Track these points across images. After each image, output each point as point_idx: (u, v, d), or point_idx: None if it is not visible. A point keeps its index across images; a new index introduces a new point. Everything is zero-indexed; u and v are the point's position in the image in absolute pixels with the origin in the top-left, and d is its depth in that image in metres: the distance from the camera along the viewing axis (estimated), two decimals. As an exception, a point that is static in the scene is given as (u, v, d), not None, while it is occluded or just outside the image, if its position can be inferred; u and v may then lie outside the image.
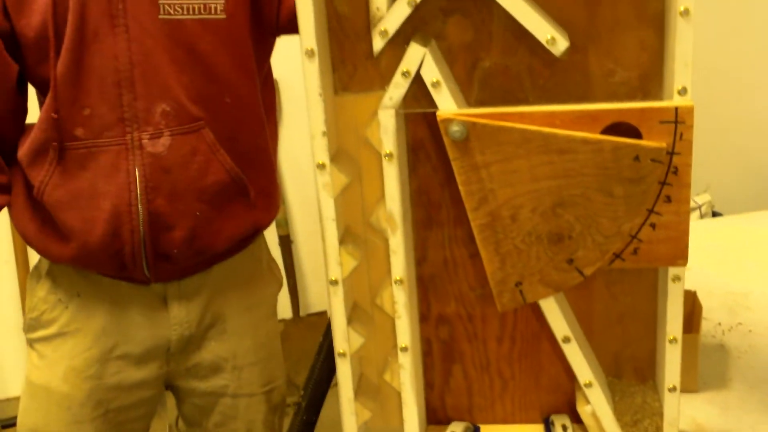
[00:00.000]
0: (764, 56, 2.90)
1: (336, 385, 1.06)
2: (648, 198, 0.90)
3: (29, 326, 1.41)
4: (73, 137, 1.25)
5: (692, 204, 2.76)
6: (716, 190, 2.88)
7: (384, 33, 0.93)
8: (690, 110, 0.87)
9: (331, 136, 0.96)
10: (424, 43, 0.93)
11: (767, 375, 1.32)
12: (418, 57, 0.92)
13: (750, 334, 1.44)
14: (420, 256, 1.03)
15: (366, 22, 0.95)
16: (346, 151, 0.99)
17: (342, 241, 0.99)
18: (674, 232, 0.92)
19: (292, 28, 1.34)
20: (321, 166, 0.96)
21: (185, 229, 1.28)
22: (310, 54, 0.92)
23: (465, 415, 1.10)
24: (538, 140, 0.89)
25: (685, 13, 0.86)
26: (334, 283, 0.99)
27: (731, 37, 2.81)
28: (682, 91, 0.88)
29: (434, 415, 1.10)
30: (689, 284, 0.98)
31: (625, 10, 0.93)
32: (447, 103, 0.93)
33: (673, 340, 0.96)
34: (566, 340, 0.99)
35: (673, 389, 0.98)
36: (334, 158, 0.97)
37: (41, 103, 1.32)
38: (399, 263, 0.98)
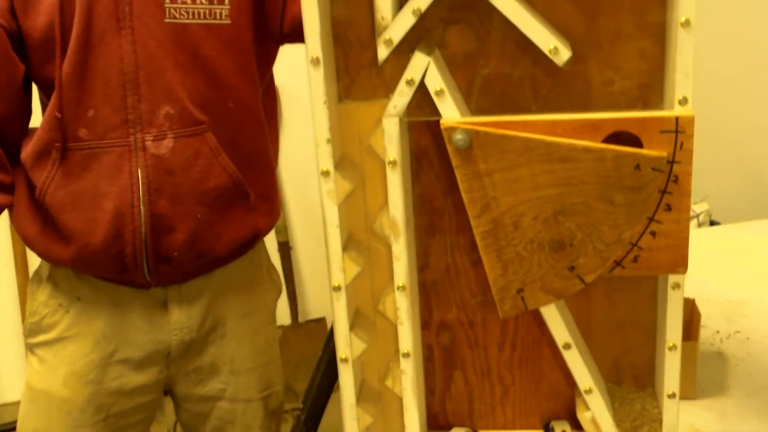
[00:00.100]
0: (762, 66, 2.92)
1: (338, 389, 1.07)
2: (648, 206, 0.91)
3: (30, 331, 1.42)
4: (77, 138, 1.26)
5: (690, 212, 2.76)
6: (714, 199, 2.89)
7: (389, 42, 0.94)
8: (690, 120, 0.89)
9: (335, 144, 0.97)
10: (428, 52, 0.94)
11: (765, 382, 1.33)
12: (422, 66, 0.93)
13: (748, 342, 1.45)
14: (422, 263, 1.04)
15: (370, 30, 0.96)
16: (350, 158, 1.00)
17: (345, 248, 1.00)
18: (674, 240, 0.93)
19: (295, 36, 1.35)
20: (325, 173, 0.97)
21: (186, 232, 1.29)
22: (315, 62, 0.93)
23: (466, 421, 1.11)
24: (540, 149, 0.90)
25: (686, 24, 0.87)
26: (337, 289, 1.00)
27: (729, 45, 2.83)
28: (683, 101, 0.89)
29: (435, 420, 1.11)
30: (688, 292, 0.99)
31: (626, 20, 0.94)
32: (450, 112, 0.94)
33: (673, 347, 0.97)
34: (567, 346, 1.00)
35: (672, 396, 0.99)
36: (337, 165, 0.98)
37: (44, 106, 1.32)
38: (402, 270, 0.99)
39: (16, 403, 2.54)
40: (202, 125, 1.27)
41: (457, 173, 0.93)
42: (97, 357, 1.35)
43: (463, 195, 0.94)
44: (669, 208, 0.91)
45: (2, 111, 1.29)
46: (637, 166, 0.89)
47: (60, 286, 1.37)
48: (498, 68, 0.97)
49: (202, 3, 1.26)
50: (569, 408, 1.08)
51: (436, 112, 0.95)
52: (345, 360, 1.02)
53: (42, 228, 1.32)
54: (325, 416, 1.76)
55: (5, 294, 2.71)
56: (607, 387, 1.06)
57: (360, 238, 1.02)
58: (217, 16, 1.27)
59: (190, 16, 1.25)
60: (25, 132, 1.35)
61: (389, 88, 0.97)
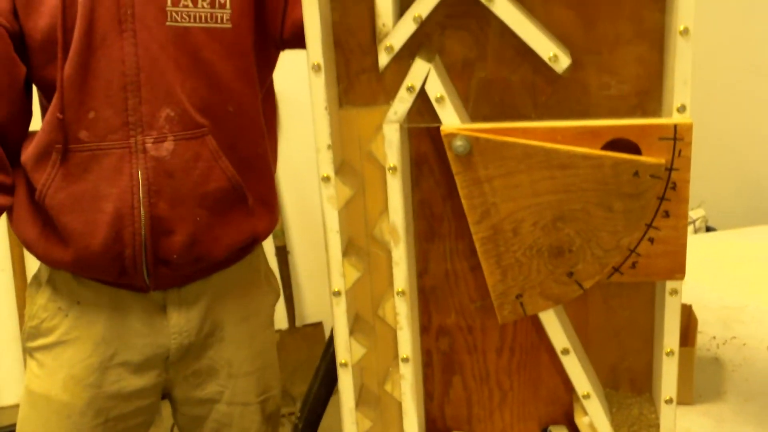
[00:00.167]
0: (759, 72, 2.93)
1: (337, 394, 1.08)
2: (647, 213, 0.92)
3: (29, 335, 1.42)
4: (77, 140, 1.26)
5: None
6: (710, 205, 2.90)
7: (390, 48, 0.94)
8: (689, 127, 0.89)
9: (335, 150, 0.97)
10: (429, 59, 0.95)
11: (761, 388, 1.33)
12: (422, 73, 0.94)
13: (744, 348, 1.45)
14: (421, 269, 1.05)
15: (371, 37, 0.97)
16: (350, 164, 1.01)
17: (345, 253, 1.01)
18: (672, 247, 0.93)
19: (295, 42, 1.35)
20: (326, 179, 0.97)
21: (185, 235, 1.29)
22: (316, 68, 0.94)
23: (464, 426, 1.11)
24: (539, 155, 0.91)
25: (685, 32, 0.88)
26: (337, 294, 1.01)
27: (726, 52, 2.84)
28: (681, 109, 0.90)
29: (434, 425, 1.11)
30: (684, 298, 0.99)
31: (625, 27, 0.94)
32: (451, 118, 0.94)
33: (670, 353, 0.98)
34: (565, 352, 1.01)
35: (669, 401, 0.99)
36: (338, 171, 0.98)
37: (44, 109, 1.33)
38: (401, 275, 1.00)
39: (14, 407, 2.55)
40: (202, 128, 1.28)
41: (457, 179, 0.94)
42: (96, 360, 1.36)
43: (463, 201, 0.95)
44: (667, 214, 0.92)
45: (3, 112, 1.30)
46: (636, 173, 0.90)
47: (59, 289, 1.38)
48: (497, 75, 0.97)
49: (203, 7, 1.26)
50: (567, 413, 1.08)
51: (436, 119, 0.96)
52: (344, 364, 1.02)
53: (42, 230, 1.32)
54: (324, 420, 1.77)
55: (3, 298, 2.71)
56: (604, 392, 1.07)
57: (360, 243, 1.03)
58: (219, 20, 1.28)
59: (192, 20, 1.26)
60: (26, 134, 1.35)
61: (389, 94, 0.97)
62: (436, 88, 0.94)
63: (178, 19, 1.25)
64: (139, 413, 1.41)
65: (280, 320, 2.82)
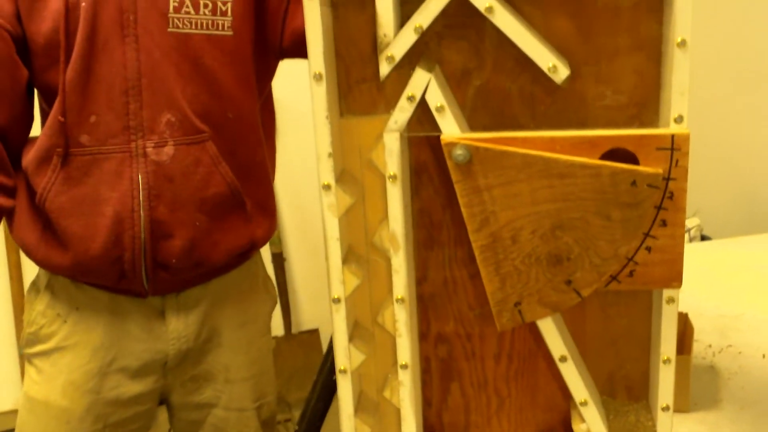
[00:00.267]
0: (753, 82, 2.95)
1: (336, 401, 1.08)
2: (644, 222, 0.93)
3: (27, 341, 1.42)
4: (78, 144, 1.27)
5: (681, 227, 2.78)
6: (705, 214, 2.92)
7: (391, 58, 0.95)
8: (686, 138, 0.90)
9: (336, 158, 0.98)
10: (429, 68, 0.96)
11: (757, 396, 1.34)
12: (423, 82, 0.95)
13: (740, 356, 1.46)
14: (420, 276, 1.06)
15: (371, 47, 0.98)
16: (350, 172, 1.01)
17: (345, 260, 1.01)
18: (669, 255, 0.94)
19: (295, 51, 1.36)
20: (326, 187, 0.98)
21: (184, 239, 1.30)
22: (317, 77, 0.95)
23: (462, 433, 1.12)
24: (539, 165, 0.92)
25: (682, 44, 0.89)
26: (337, 301, 1.01)
27: (720, 62, 2.86)
28: (678, 119, 0.91)
29: (432, 431, 1.12)
30: (680, 307, 1.00)
31: (622, 38, 0.96)
32: (451, 127, 0.95)
33: (667, 361, 0.98)
34: (563, 359, 1.02)
35: (666, 408, 1.00)
36: (338, 179, 0.99)
37: (44, 114, 1.33)
38: (401, 282, 1.00)
39: (10, 412, 2.54)
40: (203, 134, 1.29)
41: (457, 188, 0.95)
42: (95, 366, 1.36)
43: (463, 209, 0.95)
44: (664, 223, 0.93)
45: (5, 115, 1.30)
46: (634, 183, 0.91)
47: (58, 295, 1.38)
48: (497, 85, 0.98)
49: (205, 14, 1.27)
50: (565, 420, 1.09)
51: (436, 128, 0.96)
52: (344, 371, 1.03)
53: (41, 234, 1.33)
54: (324, 425, 1.78)
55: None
56: (601, 399, 1.07)
57: (359, 251, 1.03)
58: (220, 27, 1.29)
59: (193, 26, 1.27)
60: (27, 138, 1.36)
61: (390, 104, 0.98)
62: (436, 98, 0.95)
63: (180, 25, 1.26)
64: (137, 419, 1.42)
65: (276, 327, 2.81)
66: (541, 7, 0.95)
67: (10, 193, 1.35)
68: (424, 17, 0.94)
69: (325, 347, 2.76)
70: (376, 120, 0.99)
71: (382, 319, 1.04)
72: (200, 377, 1.43)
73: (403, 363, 1.02)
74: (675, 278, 0.95)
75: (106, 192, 1.27)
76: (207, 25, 1.28)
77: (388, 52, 0.95)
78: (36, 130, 1.37)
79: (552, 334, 1.01)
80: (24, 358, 1.46)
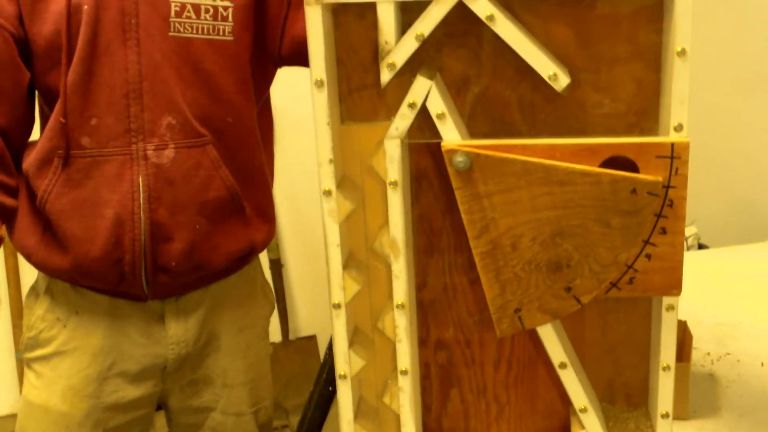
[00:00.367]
0: (751, 91, 2.96)
1: (335, 407, 1.08)
2: (644, 229, 0.93)
3: (27, 346, 1.42)
4: (79, 146, 1.27)
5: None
6: (702, 223, 2.92)
7: (392, 66, 0.96)
8: (686, 146, 0.91)
9: (337, 164, 0.99)
10: (430, 76, 0.96)
11: (755, 404, 1.35)
12: (424, 90, 0.95)
13: (738, 364, 1.47)
14: (420, 282, 1.06)
15: (372, 54, 0.98)
16: (351, 178, 1.02)
17: (345, 266, 1.02)
18: (669, 263, 0.95)
19: (293, 59, 1.37)
20: (327, 193, 0.98)
21: (184, 242, 1.30)
22: (319, 84, 0.95)
23: (461, 439, 1.12)
24: (539, 172, 0.92)
25: (682, 53, 0.90)
26: (337, 306, 1.01)
27: (717, 71, 2.87)
28: (678, 128, 0.92)
29: (431, 438, 1.12)
30: (678, 315, 1.00)
31: (622, 47, 0.96)
32: (451, 135, 0.96)
33: (667, 368, 0.99)
34: (562, 366, 1.02)
35: (665, 415, 1.00)
36: (339, 185, 0.99)
37: (45, 117, 1.34)
38: (401, 288, 1.01)
39: (8, 417, 2.54)
40: (203, 137, 1.30)
41: (457, 195, 0.95)
42: (94, 371, 1.36)
43: (463, 216, 0.96)
44: (664, 231, 0.94)
45: (7, 117, 1.31)
46: (634, 191, 0.91)
47: (57, 299, 1.38)
48: (497, 92, 0.99)
49: (206, 19, 1.28)
50: (564, 427, 1.09)
51: (436, 135, 0.97)
52: (344, 377, 1.03)
53: (41, 237, 1.33)
54: (323, 431, 1.78)
55: (-4, 307, 2.70)
56: (601, 406, 1.08)
57: (360, 256, 1.04)
58: (221, 32, 1.29)
59: (194, 31, 1.28)
60: (27, 140, 1.37)
61: (391, 110, 0.99)
62: (437, 105, 0.96)
63: (181, 29, 1.27)
64: (136, 423, 1.42)
65: (274, 333, 2.81)
66: (541, 15, 0.96)
67: (14, 193, 1.35)
68: (425, 25, 0.94)
69: (322, 354, 2.76)
70: (376, 126, 0.99)
71: (382, 325, 1.04)
72: (199, 381, 1.43)
73: (403, 369, 1.03)
74: (674, 286, 0.96)
75: (106, 194, 1.28)
76: (208, 29, 1.29)
77: (390, 59, 0.96)
78: (35, 134, 1.37)
79: (552, 340, 1.01)
80: (23, 363, 1.46)
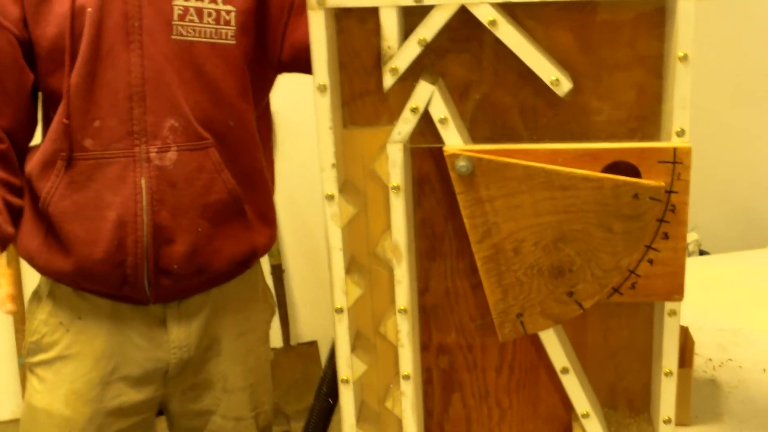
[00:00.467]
0: (751, 98, 2.96)
1: (338, 412, 1.08)
2: (646, 234, 0.94)
3: (29, 350, 1.42)
4: (82, 148, 1.28)
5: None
6: (703, 229, 2.92)
7: (394, 70, 0.96)
8: (688, 151, 0.91)
9: (339, 169, 0.99)
10: (432, 81, 0.96)
11: (757, 409, 1.34)
12: (426, 94, 0.96)
13: (740, 370, 1.47)
14: (422, 287, 1.06)
15: (375, 59, 0.98)
16: (353, 182, 1.02)
17: (347, 271, 1.02)
18: (671, 268, 0.95)
19: (294, 65, 1.37)
20: (330, 197, 0.99)
21: (186, 245, 1.30)
22: (322, 89, 0.96)
23: (463, 444, 1.12)
24: (541, 177, 0.93)
25: (684, 58, 0.90)
26: (340, 311, 1.02)
27: (717, 78, 2.87)
28: (680, 133, 0.92)
29: (433, 443, 1.12)
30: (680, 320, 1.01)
31: (624, 53, 0.96)
32: (454, 139, 0.96)
33: (669, 373, 0.99)
34: (565, 371, 1.02)
35: (668, 421, 1.00)
36: (341, 190, 1.00)
37: (47, 121, 1.34)
38: (403, 293, 1.01)
39: (10, 422, 2.53)
40: (205, 140, 1.30)
41: (460, 199, 0.95)
42: (97, 376, 1.36)
43: (465, 220, 0.96)
44: (666, 236, 0.94)
45: (10, 119, 1.31)
46: (636, 195, 0.92)
47: (60, 304, 1.38)
48: (499, 97, 0.99)
49: (209, 23, 1.28)
50: (566, 432, 1.09)
51: (438, 139, 0.97)
52: (346, 381, 1.03)
53: (44, 240, 1.33)
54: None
55: (-2, 313, 2.70)
56: (603, 411, 1.08)
57: (362, 261, 1.04)
58: (223, 36, 1.30)
59: (197, 35, 1.28)
60: (30, 141, 1.37)
61: (393, 115, 0.99)
62: (439, 110, 0.96)
63: (184, 33, 1.28)
64: (137, 428, 1.42)
65: (275, 339, 2.81)
66: (542, 21, 0.96)
67: (20, 193, 1.35)
68: (427, 30, 0.94)
69: (323, 359, 2.76)
70: (379, 131, 1.00)
71: (384, 330, 1.04)
72: (200, 386, 1.43)
73: (405, 373, 1.03)
74: (677, 291, 0.96)
75: (109, 196, 1.28)
76: (210, 33, 1.29)
77: (392, 64, 0.96)
78: (38, 138, 1.37)
79: (554, 345, 1.01)
80: (25, 368, 1.46)
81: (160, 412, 1.49)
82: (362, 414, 1.07)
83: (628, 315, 1.04)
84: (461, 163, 0.94)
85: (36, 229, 1.33)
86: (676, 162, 0.91)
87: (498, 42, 0.95)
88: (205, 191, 1.31)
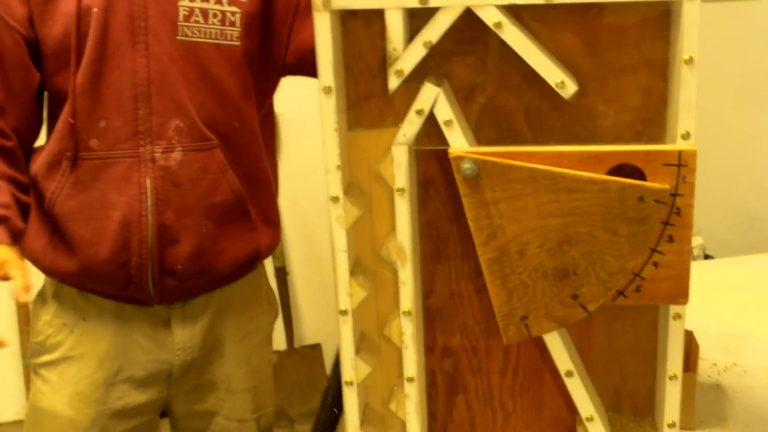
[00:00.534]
0: (755, 102, 2.96)
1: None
2: (651, 237, 0.93)
3: (34, 351, 1.42)
4: (88, 148, 1.28)
5: (685, 246, 2.77)
6: (708, 233, 2.92)
7: (400, 72, 0.96)
8: (693, 154, 0.91)
9: (344, 170, 0.99)
10: (438, 83, 0.96)
11: (762, 414, 1.34)
12: (431, 96, 0.96)
13: (745, 375, 1.46)
14: (427, 289, 1.06)
15: (380, 61, 0.98)
16: (358, 184, 1.02)
17: (352, 272, 1.02)
18: (676, 271, 0.95)
19: (298, 68, 1.38)
20: (335, 199, 0.99)
21: (191, 245, 1.31)
22: (327, 91, 0.96)
23: (467, 447, 1.12)
24: (546, 179, 0.92)
25: (690, 61, 0.90)
26: (344, 313, 1.02)
27: (721, 82, 2.87)
28: (686, 136, 0.92)
29: (436, 446, 1.12)
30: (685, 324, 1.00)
31: (629, 55, 0.96)
32: (459, 141, 0.96)
33: (674, 377, 0.99)
34: (569, 374, 1.02)
35: (672, 425, 1.00)
36: (346, 191, 1.00)
37: (53, 121, 1.34)
38: (408, 295, 1.01)
39: (14, 423, 2.54)
40: (210, 141, 1.30)
41: (464, 201, 0.95)
42: (101, 377, 1.36)
43: (470, 223, 0.96)
44: (671, 239, 0.93)
45: (17, 118, 1.32)
46: (641, 198, 0.91)
47: (64, 305, 1.38)
48: (504, 100, 0.99)
49: (214, 24, 1.29)
50: (570, 435, 1.09)
51: (443, 141, 0.97)
52: (350, 383, 1.03)
53: (49, 240, 1.33)
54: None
55: (3, 314, 2.71)
56: (607, 415, 1.07)
57: (367, 263, 1.04)
58: (228, 38, 1.30)
59: (202, 35, 1.29)
60: (35, 140, 1.37)
61: (398, 117, 0.99)
62: (444, 112, 0.96)
63: (189, 33, 1.28)
64: (140, 429, 1.42)
65: (279, 341, 2.81)
66: (548, 23, 0.96)
67: (27, 191, 1.36)
68: (432, 32, 0.94)
69: (327, 362, 2.76)
70: (384, 133, 1.00)
71: (388, 332, 1.04)
72: (203, 387, 1.43)
73: (410, 376, 1.03)
74: (682, 294, 0.96)
75: (114, 196, 1.28)
76: (215, 34, 1.29)
77: (398, 66, 0.96)
78: (42, 139, 1.37)
79: (558, 348, 1.01)
80: (29, 369, 1.46)
81: (163, 414, 1.50)
82: (366, 416, 1.07)
83: (632, 318, 1.04)
84: (466, 166, 0.94)
85: (41, 229, 1.34)
86: (682, 165, 0.91)
87: (503, 44, 0.95)
88: (210, 192, 1.31)
